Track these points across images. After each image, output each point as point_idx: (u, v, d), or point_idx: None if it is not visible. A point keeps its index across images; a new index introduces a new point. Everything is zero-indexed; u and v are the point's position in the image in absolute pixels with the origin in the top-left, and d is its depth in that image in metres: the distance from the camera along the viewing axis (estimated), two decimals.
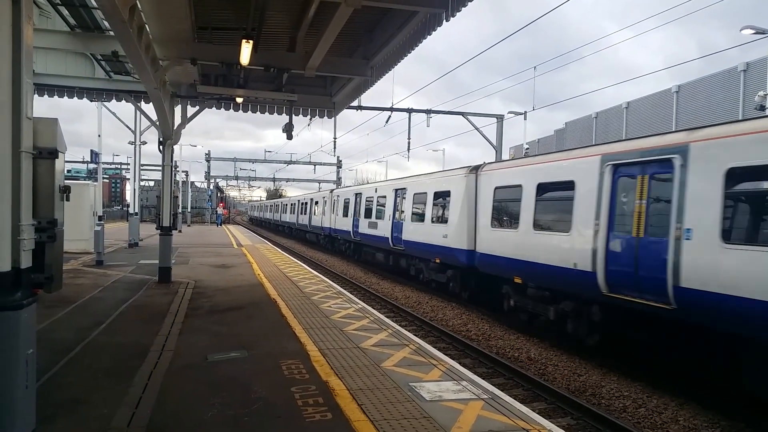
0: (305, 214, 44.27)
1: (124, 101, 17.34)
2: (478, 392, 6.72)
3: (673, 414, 8.52)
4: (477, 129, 30.22)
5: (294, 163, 70.79)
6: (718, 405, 8.74)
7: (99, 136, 27.78)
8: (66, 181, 4.97)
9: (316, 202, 40.51)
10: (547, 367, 10.96)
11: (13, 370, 3.84)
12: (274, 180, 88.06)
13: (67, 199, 4.67)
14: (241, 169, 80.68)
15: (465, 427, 5.57)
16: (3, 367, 3.80)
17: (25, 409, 3.96)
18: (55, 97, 15.80)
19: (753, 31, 20.65)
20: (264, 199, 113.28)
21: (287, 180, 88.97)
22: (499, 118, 30.86)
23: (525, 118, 31.21)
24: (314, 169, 71.51)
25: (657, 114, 35.51)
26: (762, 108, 20.84)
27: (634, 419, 8.44)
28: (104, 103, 23.25)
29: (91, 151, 35.68)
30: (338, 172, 73.12)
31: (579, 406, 8.67)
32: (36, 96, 15.22)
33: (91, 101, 18.36)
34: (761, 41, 20.91)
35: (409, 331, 11.48)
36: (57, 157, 4.40)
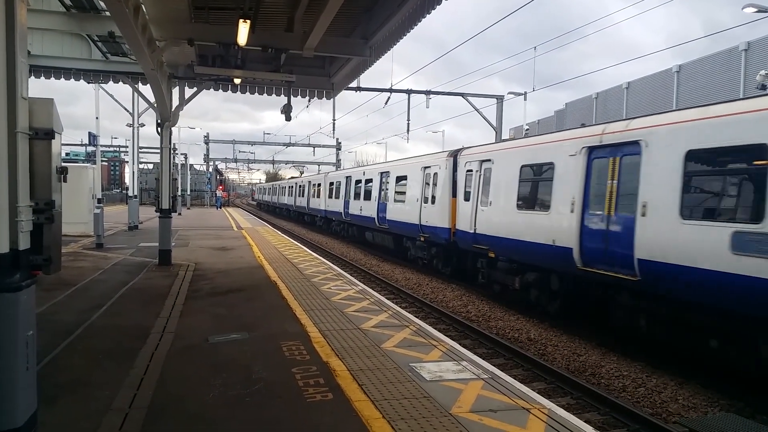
0: (303, 196, 44.91)
1: (121, 83, 17.19)
2: (478, 372, 6.74)
3: (673, 393, 8.56)
4: (477, 110, 30.10)
5: (293, 145, 70.61)
6: (716, 384, 8.78)
7: (97, 118, 27.69)
8: (64, 164, 4.93)
9: (313, 185, 40.97)
10: (547, 347, 11.00)
11: (13, 352, 3.83)
12: (273, 162, 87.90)
13: (65, 180, 4.64)
14: (240, 151, 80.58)
15: (465, 407, 5.59)
16: (3, 348, 3.80)
17: (26, 391, 3.96)
18: (52, 78, 15.68)
19: (755, 9, 20.46)
20: (263, 181, 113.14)
21: (286, 162, 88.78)
22: (499, 99, 30.74)
23: (525, 99, 31.10)
24: (313, 151, 71.41)
25: (658, 94, 35.30)
26: (763, 87, 20.68)
27: (633, 398, 8.48)
28: (101, 84, 23.14)
29: (89, 133, 35.62)
30: (337, 155, 72.96)
31: (578, 386, 8.71)
32: (32, 78, 15.10)
33: (88, 83, 18.24)
34: (766, 19, 20.72)
35: (409, 312, 11.51)
36: (53, 138, 4.36)
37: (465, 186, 16.56)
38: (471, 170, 16.31)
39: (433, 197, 18.65)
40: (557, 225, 11.90)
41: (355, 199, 28.47)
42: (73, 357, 7.24)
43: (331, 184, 34.68)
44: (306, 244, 27.14)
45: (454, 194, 17.54)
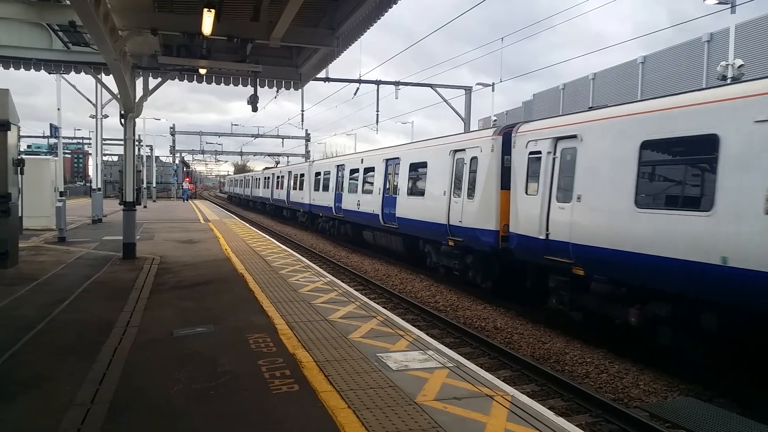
0: (281, 188, 40.49)
1: (83, 73, 16.81)
2: (443, 361, 6.81)
3: (634, 379, 8.78)
4: (446, 101, 30.19)
5: (261, 136, 69.96)
6: (676, 370, 9.02)
7: (58, 109, 27.11)
8: (26, 156, 4.83)
9: (295, 176, 36.44)
10: (513, 336, 11.16)
11: None
12: (241, 154, 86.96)
13: (22, 173, 4.54)
14: (207, 143, 79.51)
15: (430, 395, 5.65)
16: None
17: None
18: (11, 69, 15.25)
19: (716, 1, 20.91)
20: (232, 173, 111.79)
21: (254, 154, 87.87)
22: (468, 90, 30.86)
23: (493, 90, 31.27)
24: (282, 142, 70.82)
25: (624, 85, 35.89)
26: (724, 78, 21.18)
27: (596, 384, 8.67)
28: (63, 75, 22.60)
29: (51, 125, 34.78)
30: (306, 146, 72.51)
31: (543, 373, 8.87)
32: None
33: (49, 73, 17.81)
34: (728, 11, 21.20)
35: (377, 303, 11.55)
36: (9, 129, 4.27)
37: (528, 174, 12.22)
38: (538, 152, 11.96)
39: (470, 190, 14.42)
40: (732, 233, 7.75)
41: (350, 192, 24.41)
42: (35, 352, 7.11)
43: (318, 174, 30.31)
44: (274, 236, 27.00)
45: (506, 186, 13.25)
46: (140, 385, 5.98)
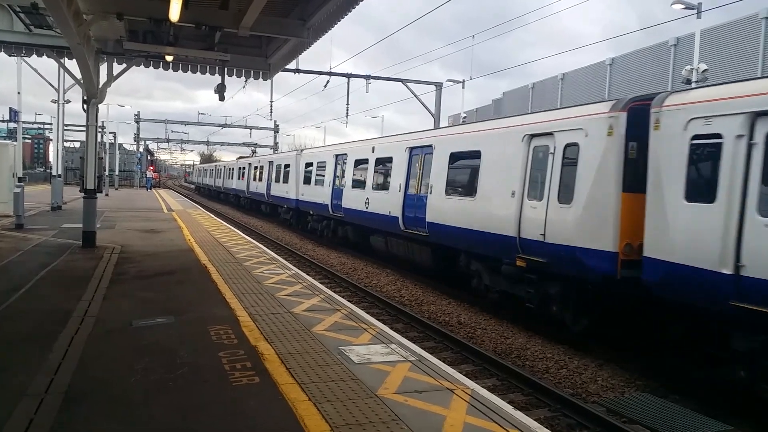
0: (260, 180, 35.74)
1: (45, 57, 16.36)
2: (406, 355, 6.83)
3: (593, 374, 8.93)
4: (416, 96, 30.30)
5: (229, 126, 69.19)
6: (633, 366, 9.21)
7: (18, 93, 26.37)
8: None
9: (278, 167, 31.66)
10: (476, 330, 11.25)
11: None
12: (207, 144, 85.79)
13: None
14: (172, 131, 78.25)
15: (391, 388, 5.66)
16: None
17: None
18: None
19: (683, 6, 21.41)
20: (198, 163, 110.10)
21: (221, 144, 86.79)
22: (438, 86, 31.01)
23: (463, 87, 31.49)
24: (250, 133, 70.17)
25: (592, 85, 36.45)
26: (688, 82, 21.69)
27: (555, 379, 8.80)
28: (24, 58, 21.93)
29: (10, 109, 33.84)
30: (275, 137, 71.92)
31: (504, 368, 8.97)
32: None
33: (9, 56, 17.32)
34: (694, 15, 21.69)
35: (342, 296, 11.53)
36: None
37: (691, 169, 8.17)
38: (712, 135, 7.89)
39: (564, 191, 10.28)
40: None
41: (355, 187, 20.02)
42: None
43: (309, 165, 25.94)
44: (239, 227, 26.73)
45: (631, 187, 9.23)
46: (97, 375, 5.86)
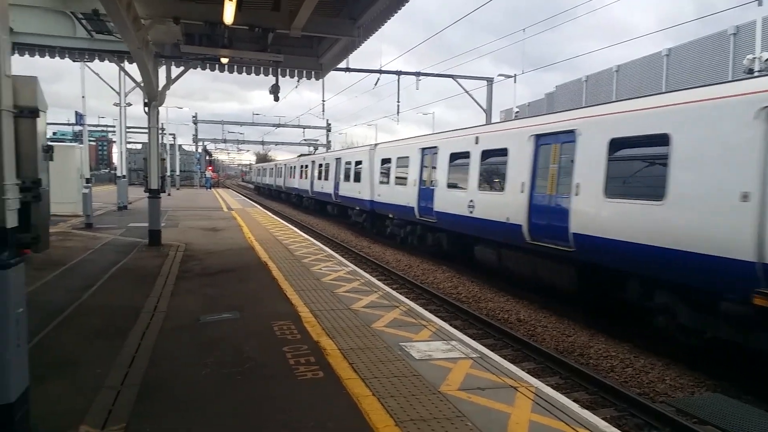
0: (326, 179, 32.63)
1: (107, 61, 16.98)
2: (467, 352, 6.80)
3: (660, 373, 8.68)
4: (467, 92, 30.04)
5: (283, 126, 70.12)
6: (703, 365, 8.90)
7: (83, 97, 27.48)
8: (51, 143, 4.89)
9: (347, 164, 28.42)
10: (537, 328, 11.10)
11: (4, 329, 3.83)
12: (263, 143, 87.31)
13: (51, 159, 4.61)
14: (229, 132, 79.90)
15: (453, 385, 5.65)
16: None
17: (17, 367, 3.97)
18: (36, 56, 15.45)
19: None
20: (254, 163, 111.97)
21: (276, 144, 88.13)
22: (489, 81, 30.66)
23: (515, 81, 31.01)
24: (303, 132, 70.93)
25: (648, 77, 35.35)
26: (750, 71, 20.76)
27: (621, 378, 8.59)
28: (87, 63, 22.80)
29: (76, 112, 35.26)
30: (327, 136, 72.56)
31: (567, 366, 8.81)
32: (16, 56, 14.87)
33: (73, 61, 17.99)
34: (754, 3, 20.74)
35: (399, 293, 11.56)
36: (38, 116, 4.32)
37: None
38: None
39: None
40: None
41: (452, 187, 16.81)
42: (64, 336, 7.24)
43: (386, 162, 22.82)
44: (296, 225, 27.11)
45: None
46: (168, 368, 6.06)
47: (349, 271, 12.32)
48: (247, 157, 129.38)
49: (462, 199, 15.73)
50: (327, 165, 33.03)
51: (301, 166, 41.25)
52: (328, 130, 71.96)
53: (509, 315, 11.99)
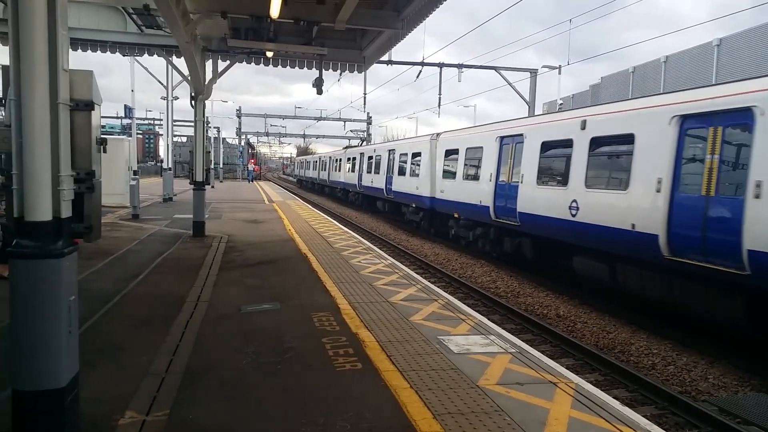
0: (377, 173, 30.07)
1: (155, 56, 17.38)
2: (505, 346, 6.78)
3: (703, 372, 8.50)
4: (510, 84, 29.72)
5: (324, 119, 70.59)
6: (748, 364, 8.68)
7: (132, 90, 28.19)
8: (102, 135, 5.05)
9: (404, 155, 25.67)
10: (576, 324, 10.97)
11: (57, 316, 3.98)
12: (304, 136, 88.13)
13: (104, 151, 4.76)
14: (271, 125, 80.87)
15: (492, 379, 5.65)
16: (47, 312, 3.95)
17: (68, 353, 4.12)
18: (88, 51, 15.92)
19: None
20: (295, 156, 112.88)
21: (317, 137, 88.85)
22: (533, 73, 30.26)
23: (559, 73, 30.53)
24: (344, 125, 71.29)
25: (698, 68, 34.34)
26: None
27: (662, 376, 8.44)
28: (136, 57, 23.38)
29: (125, 106, 36.19)
30: (368, 129, 72.74)
31: (607, 363, 8.70)
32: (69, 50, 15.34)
33: (124, 56, 18.49)
34: None
35: (437, 286, 11.55)
36: (93, 110, 4.46)
37: None
38: None
39: None
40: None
41: (544, 183, 14.00)
42: (112, 323, 7.48)
43: (452, 153, 19.98)
44: (335, 217, 27.33)
45: None
46: (212, 357, 6.22)
47: (387, 264, 12.38)
48: (288, 150, 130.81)
49: (559, 199, 12.82)
50: (378, 157, 30.39)
51: (348, 159, 38.80)
52: (369, 123, 72.14)
53: (548, 310, 11.88)
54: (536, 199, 14.00)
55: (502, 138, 16.31)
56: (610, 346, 9.75)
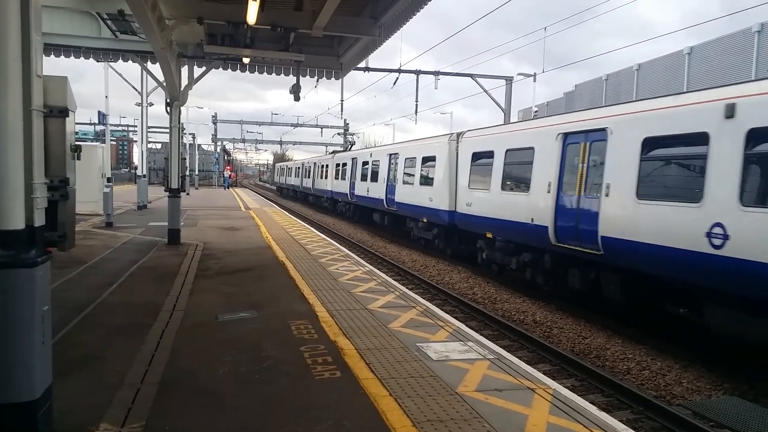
0: (375, 181, 26.07)
1: (130, 61, 17.20)
2: (484, 353, 6.81)
3: (677, 376, 8.62)
4: (486, 91, 29.99)
5: (301, 126, 70.46)
6: (721, 368, 8.82)
7: (106, 97, 27.81)
8: (77, 142, 4.98)
9: (411, 161, 21.69)
10: (552, 329, 11.06)
11: (30, 326, 3.90)
12: (281, 143, 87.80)
13: (78, 158, 4.70)
14: (247, 132, 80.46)
15: (471, 386, 5.66)
16: (20, 323, 3.87)
17: (41, 364, 4.04)
18: (62, 57, 15.70)
19: None
20: (270, 162, 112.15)
21: (294, 143, 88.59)
22: (509, 81, 30.57)
23: (534, 80, 30.89)
24: (321, 132, 71.22)
25: (669, 76, 34.98)
26: None
27: (638, 381, 8.55)
28: (110, 63, 23.11)
29: (99, 112, 35.72)
30: (345, 135, 72.70)
31: (583, 368, 8.78)
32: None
33: (98, 61, 18.24)
34: None
35: (415, 293, 11.56)
36: (68, 116, 4.41)
37: None
38: None
39: None
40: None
41: (650, 197, 9.98)
42: (86, 333, 7.36)
43: (481, 157, 16.37)
44: (313, 224, 27.24)
45: None
46: (188, 366, 6.14)
47: (365, 271, 12.36)
48: (265, 157, 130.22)
49: (684, 222, 9.09)
50: (376, 163, 26.34)
51: (338, 165, 34.56)
52: (346, 130, 72.11)
53: (525, 316, 11.96)
54: (636, 219, 10.11)
55: (566, 135, 12.32)
56: (586, 351, 9.85)
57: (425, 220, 20.02)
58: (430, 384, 5.70)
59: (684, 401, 7.81)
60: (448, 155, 18.19)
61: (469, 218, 16.61)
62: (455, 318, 9.53)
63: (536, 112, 36.80)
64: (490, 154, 15.65)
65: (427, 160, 19.94)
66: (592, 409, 5.30)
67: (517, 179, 14.43)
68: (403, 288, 10.91)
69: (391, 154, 24.33)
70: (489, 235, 15.43)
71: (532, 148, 13.49)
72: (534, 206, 13.08)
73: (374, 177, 26.19)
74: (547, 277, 13.27)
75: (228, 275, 11.50)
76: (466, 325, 8.96)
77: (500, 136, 15.65)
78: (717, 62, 31.75)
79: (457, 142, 17.98)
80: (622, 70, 40.64)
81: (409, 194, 21.35)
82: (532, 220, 13.06)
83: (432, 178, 19.28)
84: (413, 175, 21.20)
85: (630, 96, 36.39)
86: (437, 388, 5.60)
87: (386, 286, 10.76)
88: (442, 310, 9.79)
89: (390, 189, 23.68)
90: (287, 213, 30.17)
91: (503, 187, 14.82)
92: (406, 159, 22.29)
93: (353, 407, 5.14)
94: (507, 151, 14.75)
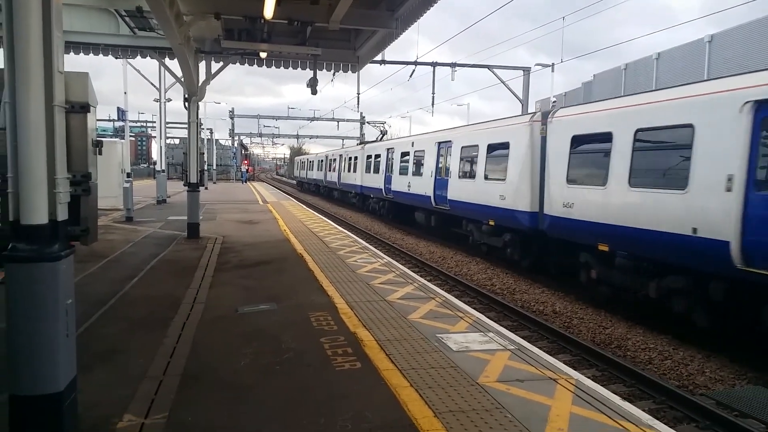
0: (418, 174, 22.73)
1: (148, 58, 17.32)
2: (504, 343, 6.78)
3: (700, 366, 8.53)
4: (503, 82, 29.77)
5: (317, 119, 70.46)
6: (744, 357, 8.72)
7: (125, 93, 28.05)
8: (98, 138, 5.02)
9: (465, 150, 18.47)
10: (573, 320, 11.00)
11: (54, 319, 3.96)
12: (297, 137, 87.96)
13: (100, 153, 4.74)
14: (264, 126, 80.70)
15: (492, 376, 5.65)
16: (45, 316, 3.92)
17: (66, 357, 4.10)
18: (81, 54, 15.84)
19: None
20: (287, 156, 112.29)
21: (310, 137, 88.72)
22: (526, 71, 30.31)
23: (552, 71, 30.60)
24: (338, 125, 71.20)
25: (690, 65, 34.45)
26: None
27: (659, 371, 8.47)
28: (129, 60, 23.29)
29: (118, 108, 36.04)
30: (361, 128, 72.64)
31: (604, 358, 8.72)
32: None
33: (116, 58, 18.39)
34: None
35: (434, 284, 11.55)
36: (89, 112, 4.44)
37: None
38: None
39: None
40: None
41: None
42: (108, 326, 7.44)
43: (589, 142, 12.39)
44: (330, 217, 27.29)
45: None
46: (209, 358, 6.19)
47: (383, 262, 12.37)
48: (282, 151, 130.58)
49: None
50: (419, 154, 22.86)
51: (368, 157, 30.95)
52: (362, 123, 72.02)
53: (544, 307, 11.90)
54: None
55: (760, 104, 8.17)
56: (607, 341, 9.78)
57: (491, 223, 16.30)
58: (450, 375, 5.69)
59: (707, 391, 7.73)
60: (530, 141, 14.42)
61: (569, 224, 12.53)
62: (474, 309, 9.51)
63: (554, 102, 36.46)
64: (604, 137, 11.57)
65: (496, 147, 16.43)
66: (616, 399, 5.26)
67: (657, 171, 10.63)
68: (422, 279, 10.90)
69: (440, 143, 20.54)
70: (603, 248, 11.47)
71: (689, 126, 9.35)
72: (696, 210, 9.07)
73: (417, 170, 22.83)
74: (715, 315, 9.25)
75: (247, 268, 11.57)
76: (486, 316, 8.94)
77: (623, 112, 11.24)
78: (739, 49, 31.20)
79: (545, 125, 13.98)
80: (641, 59, 40.10)
81: (468, 191, 17.83)
82: (695, 231, 9.04)
83: (504, 171, 15.61)
84: (474, 168, 17.68)
85: (650, 85, 35.85)
86: (458, 378, 5.59)
87: (405, 278, 10.76)
88: (461, 301, 9.77)
89: (440, 184, 20.14)
90: (304, 206, 30.25)
91: (632, 182, 10.69)
92: (462, 147, 18.67)
93: (374, 398, 5.15)
94: (637, 131, 10.66)
